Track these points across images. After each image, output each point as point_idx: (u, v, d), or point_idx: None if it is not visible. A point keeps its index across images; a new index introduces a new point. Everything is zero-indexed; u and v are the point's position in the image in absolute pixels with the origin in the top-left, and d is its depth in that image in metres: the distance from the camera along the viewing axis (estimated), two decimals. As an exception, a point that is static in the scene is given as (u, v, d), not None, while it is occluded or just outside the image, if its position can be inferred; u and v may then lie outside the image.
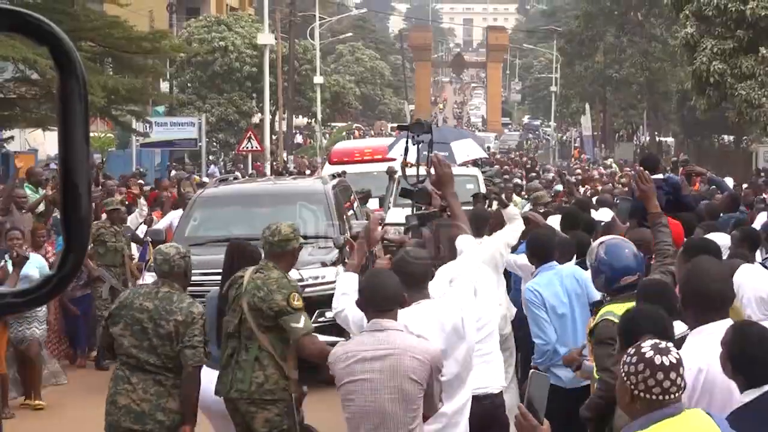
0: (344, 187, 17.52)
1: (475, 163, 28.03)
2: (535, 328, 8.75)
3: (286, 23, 61.05)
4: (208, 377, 8.21)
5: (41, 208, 17.88)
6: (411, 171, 14.10)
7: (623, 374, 4.41)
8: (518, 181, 31.21)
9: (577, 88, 79.76)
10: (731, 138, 59.73)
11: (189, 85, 57.05)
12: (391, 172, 23.99)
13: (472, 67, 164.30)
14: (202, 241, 14.98)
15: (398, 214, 20.54)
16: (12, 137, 33.29)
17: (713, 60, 29.48)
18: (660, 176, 13.08)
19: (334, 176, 18.01)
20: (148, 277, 14.40)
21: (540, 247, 9.37)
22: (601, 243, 7.10)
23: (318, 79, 62.14)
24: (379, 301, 6.12)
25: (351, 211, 16.94)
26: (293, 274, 13.04)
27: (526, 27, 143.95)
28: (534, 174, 36.40)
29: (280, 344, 8.11)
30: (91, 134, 40.31)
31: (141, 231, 18.48)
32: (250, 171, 43.31)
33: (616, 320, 5.83)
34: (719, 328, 5.29)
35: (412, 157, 19.64)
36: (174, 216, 18.08)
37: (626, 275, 6.89)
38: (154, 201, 22.08)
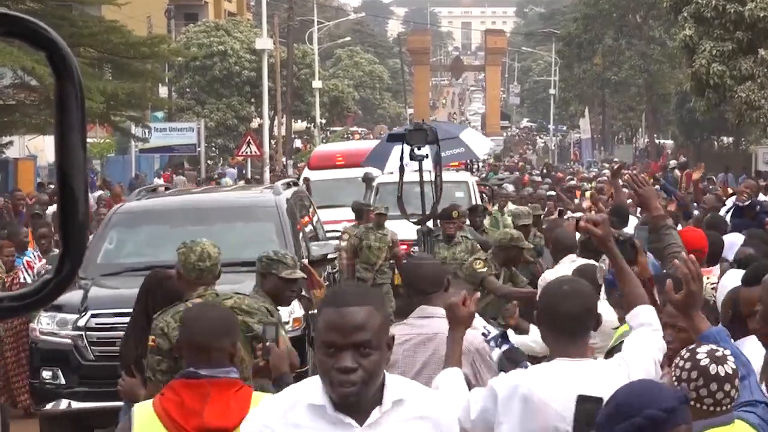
0: (301, 198, 14.35)
1: (467, 167, 25.42)
2: None
3: (284, 28, 61.05)
4: None
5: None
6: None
7: (674, 378, 4.20)
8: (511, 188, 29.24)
9: (576, 90, 79.82)
10: (730, 139, 59.74)
11: (188, 90, 57.07)
12: (367, 179, 21.45)
13: (470, 70, 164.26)
14: (118, 270, 11.84)
15: None
16: (11, 142, 33.28)
17: (712, 62, 29.47)
18: None
19: (288, 185, 14.40)
20: (44, 320, 11.19)
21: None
22: None
23: (317, 83, 62.12)
24: (422, 285, 5.95)
25: (310, 227, 13.87)
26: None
27: (524, 30, 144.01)
28: (549, 180, 35.63)
29: None
30: (91, 140, 40.42)
31: None
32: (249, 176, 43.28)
33: None
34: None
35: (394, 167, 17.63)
36: None
37: None
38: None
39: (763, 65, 29.01)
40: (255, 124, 57.34)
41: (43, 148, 40.08)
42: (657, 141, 74.05)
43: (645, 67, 68.36)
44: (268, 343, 5.43)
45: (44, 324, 11.11)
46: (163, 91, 46.88)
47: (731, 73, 29.33)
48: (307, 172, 26.00)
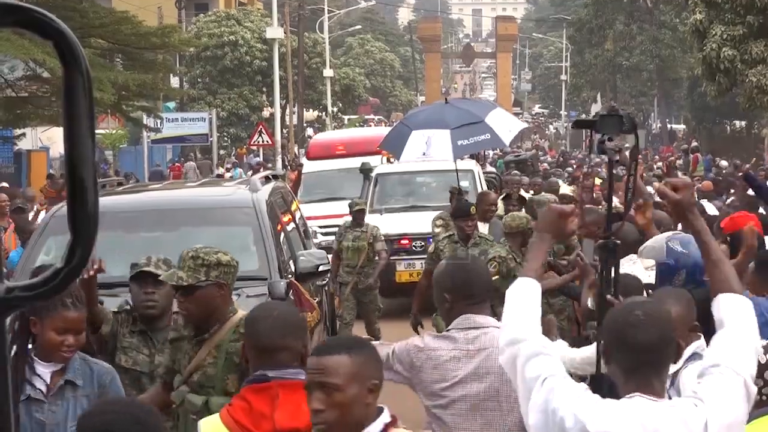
0: (282, 195, 11.82)
1: (472, 155, 22.74)
2: None
3: (294, 17, 61.04)
4: None
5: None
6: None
7: None
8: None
9: (588, 76, 79.72)
10: (742, 123, 59.69)
11: (199, 80, 57.15)
12: (365, 170, 19.85)
13: (481, 57, 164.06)
14: None
15: (376, 222, 16.71)
16: (24, 134, 33.37)
17: (723, 46, 29.41)
18: None
19: (267, 179, 11.76)
20: None
21: None
22: (670, 239, 6.01)
23: (328, 72, 62.10)
24: (472, 290, 5.31)
25: (291, 226, 11.59)
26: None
27: (535, 16, 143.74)
28: (568, 167, 35.46)
29: None
30: (103, 131, 40.50)
31: None
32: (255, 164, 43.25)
33: None
34: None
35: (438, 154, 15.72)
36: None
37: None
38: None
39: (775, 49, 28.96)
40: (267, 113, 57.39)
41: (56, 139, 40.20)
42: (669, 126, 73.98)
43: (656, 51, 68.27)
44: None
45: None
46: (174, 81, 46.96)
47: (742, 57, 29.29)
48: (305, 162, 24.47)
